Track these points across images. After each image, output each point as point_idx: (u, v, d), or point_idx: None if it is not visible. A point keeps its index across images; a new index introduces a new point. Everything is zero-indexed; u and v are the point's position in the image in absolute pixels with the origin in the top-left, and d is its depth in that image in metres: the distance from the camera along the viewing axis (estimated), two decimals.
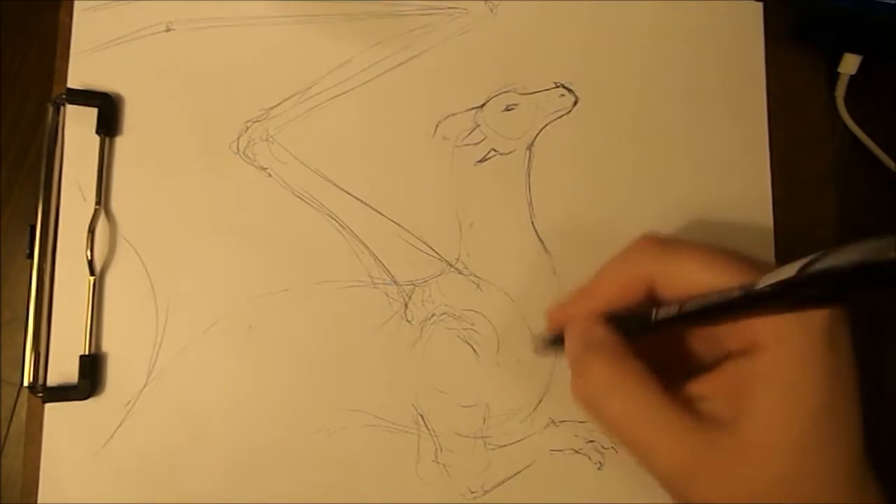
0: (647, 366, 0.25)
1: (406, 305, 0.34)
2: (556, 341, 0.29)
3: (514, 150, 0.35)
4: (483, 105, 0.35)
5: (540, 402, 0.33)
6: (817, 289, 0.19)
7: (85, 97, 0.34)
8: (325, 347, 0.33)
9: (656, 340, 0.27)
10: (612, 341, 0.26)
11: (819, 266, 0.19)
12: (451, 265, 0.34)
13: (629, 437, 0.25)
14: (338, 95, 0.35)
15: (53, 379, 0.33)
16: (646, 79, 0.36)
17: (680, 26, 0.36)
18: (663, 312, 0.25)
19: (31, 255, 0.33)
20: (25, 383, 0.32)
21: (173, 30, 0.35)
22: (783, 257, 0.35)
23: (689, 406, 0.24)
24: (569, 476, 0.33)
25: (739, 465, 0.23)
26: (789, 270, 0.20)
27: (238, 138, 0.34)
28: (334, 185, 0.34)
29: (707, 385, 0.25)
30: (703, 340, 0.27)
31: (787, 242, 0.35)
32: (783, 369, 0.23)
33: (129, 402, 0.32)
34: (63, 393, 0.32)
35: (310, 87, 0.35)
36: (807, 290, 0.20)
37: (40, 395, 0.32)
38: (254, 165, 0.34)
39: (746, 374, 0.24)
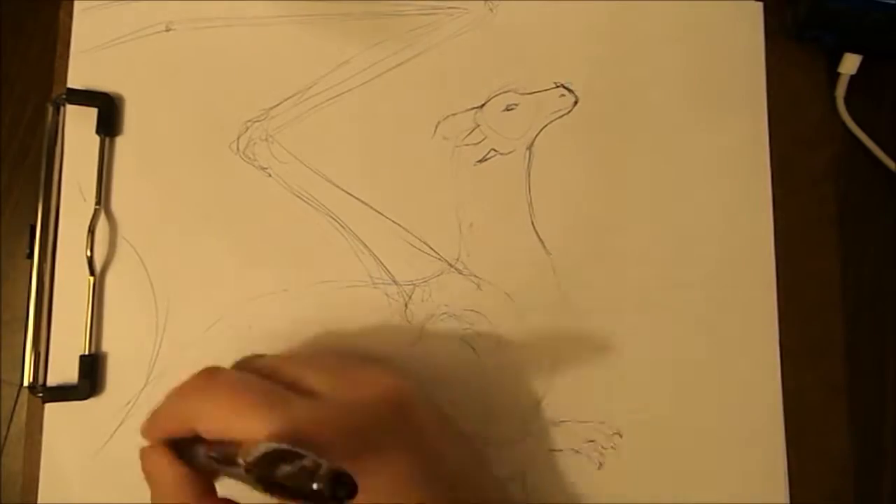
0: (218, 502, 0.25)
1: (406, 305, 0.34)
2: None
3: (514, 150, 0.35)
4: (483, 105, 0.35)
5: (540, 402, 0.33)
6: (253, 478, 0.20)
7: (85, 97, 0.34)
8: (325, 347, 0.33)
9: None
10: (179, 484, 0.26)
11: (248, 456, 0.20)
12: (451, 265, 0.34)
13: None
14: (338, 95, 0.35)
15: (53, 379, 0.33)
16: (646, 79, 0.36)
17: (680, 26, 0.36)
18: (200, 451, 0.25)
19: (31, 255, 0.33)
20: (25, 383, 0.32)
21: (173, 30, 0.35)
22: (783, 257, 0.35)
23: None
24: (569, 476, 0.33)
25: None
26: (258, 450, 0.21)
27: (238, 138, 0.34)
28: (334, 185, 0.34)
29: None
30: None
31: (787, 242, 0.35)
32: None
33: (129, 402, 0.32)
34: (63, 393, 0.32)
35: (310, 87, 0.35)
36: (250, 475, 0.21)
37: (40, 395, 0.32)
38: (254, 165, 0.34)
39: None
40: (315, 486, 0.19)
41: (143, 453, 0.27)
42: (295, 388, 0.26)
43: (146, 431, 0.28)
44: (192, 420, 0.25)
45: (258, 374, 0.27)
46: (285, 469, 0.20)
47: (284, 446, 0.21)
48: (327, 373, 0.27)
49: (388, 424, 0.26)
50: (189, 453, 0.26)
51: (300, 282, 0.34)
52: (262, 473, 0.20)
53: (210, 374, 0.26)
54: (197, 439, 0.26)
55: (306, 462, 0.20)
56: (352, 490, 0.19)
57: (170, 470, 0.26)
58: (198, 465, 0.26)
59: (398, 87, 0.35)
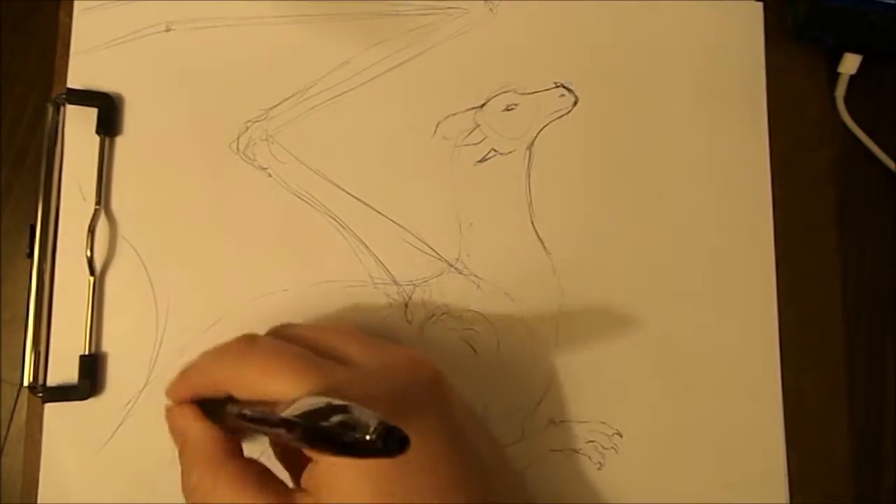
0: (245, 465, 0.25)
1: (406, 305, 0.34)
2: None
3: (514, 150, 0.35)
4: (483, 105, 0.35)
5: (540, 402, 0.33)
6: (299, 432, 0.20)
7: (85, 97, 0.34)
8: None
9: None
10: (206, 443, 0.26)
11: (290, 411, 0.20)
12: (451, 265, 0.34)
13: None
14: (338, 95, 0.35)
15: (53, 379, 0.33)
16: (646, 79, 0.36)
17: (680, 26, 0.36)
18: (233, 410, 0.26)
19: (31, 255, 0.33)
20: (25, 383, 0.32)
21: (173, 30, 0.35)
22: (783, 257, 0.35)
23: (287, 498, 0.24)
24: (569, 476, 0.33)
25: None
26: (300, 406, 0.21)
27: (238, 138, 0.34)
28: (334, 185, 0.34)
29: (309, 480, 0.25)
30: None
31: (787, 242, 0.35)
32: None
33: (129, 402, 0.32)
34: (63, 393, 0.32)
35: (310, 87, 0.35)
36: (289, 429, 0.20)
37: (40, 395, 0.32)
38: (254, 165, 0.34)
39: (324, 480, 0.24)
40: (368, 436, 0.18)
41: (172, 412, 0.28)
42: (330, 357, 0.26)
43: (175, 390, 0.28)
44: (226, 381, 0.26)
45: (294, 340, 0.27)
46: (335, 419, 0.19)
47: (334, 400, 0.20)
48: (362, 344, 0.27)
49: (424, 398, 0.26)
50: (217, 413, 0.26)
51: (300, 282, 0.34)
52: (309, 425, 0.20)
53: (249, 340, 0.27)
54: (225, 400, 0.26)
55: (356, 413, 0.19)
56: (403, 442, 0.18)
57: (200, 428, 0.26)
58: (226, 426, 0.26)
59: (398, 87, 0.35)
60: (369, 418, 0.18)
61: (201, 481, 0.25)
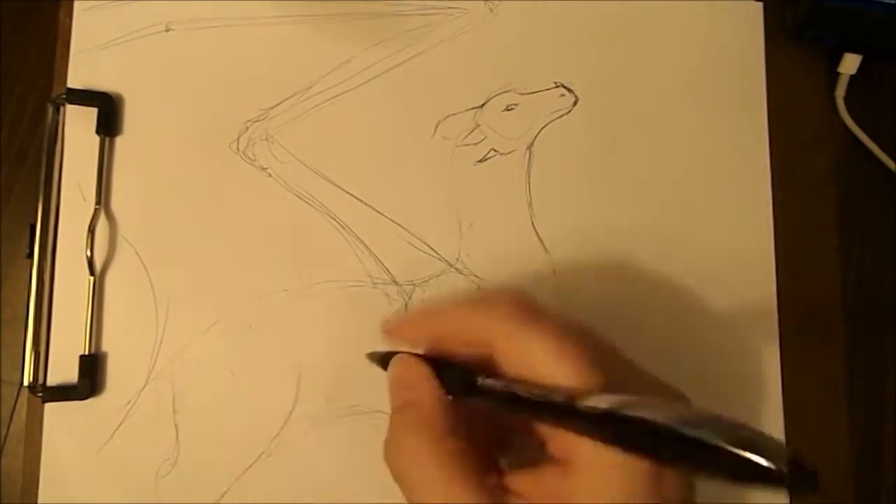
0: (463, 445, 0.23)
1: (406, 305, 0.34)
2: (385, 362, 0.27)
3: (514, 150, 0.35)
4: (483, 105, 0.35)
5: None
6: (627, 432, 0.18)
7: (85, 97, 0.34)
8: (326, 347, 0.33)
9: (483, 411, 0.25)
10: (433, 410, 0.24)
11: (634, 411, 0.17)
12: (451, 265, 0.34)
13: None
14: (338, 95, 0.35)
15: (53, 379, 0.33)
16: (646, 79, 0.36)
17: (680, 26, 0.36)
18: (489, 383, 0.23)
19: (31, 255, 0.33)
20: (25, 383, 0.32)
21: (173, 30, 0.35)
22: (783, 257, 0.35)
23: (500, 499, 0.22)
24: None
25: None
26: (615, 401, 0.18)
27: (238, 138, 0.34)
28: (334, 185, 0.34)
29: (524, 484, 0.23)
30: (530, 431, 0.24)
31: (787, 242, 0.35)
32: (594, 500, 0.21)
33: (129, 402, 0.32)
34: (63, 393, 0.32)
35: (310, 87, 0.35)
36: (617, 429, 0.18)
37: (40, 395, 0.32)
38: (254, 165, 0.34)
39: (561, 491, 0.22)
40: (767, 462, 0.15)
41: (403, 362, 0.25)
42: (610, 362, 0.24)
43: (412, 331, 0.25)
44: (495, 347, 0.23)
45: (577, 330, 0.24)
46: (732, 435, 0.15)
47: (710, 414, 0.17)
48: (629, 363, 0.25)
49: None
50: (442, 376, 0.24)
51: (300, 282, 0.34)
52: (675, 431, 0.16)
53: (530, 307, 0.24)
54: (461, 366, 0.24)
55: (757, 436, 0.16)
56: (814, 477, 0.15)
57: (433, 391, 0.24)
58: (460, 397, 0.24)
59: (398, 87, 0.35)
60: (774, 443, 0.15)
61: (417, 453, 0.23)
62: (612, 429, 0.18)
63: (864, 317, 0.35)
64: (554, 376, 0.22)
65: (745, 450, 0.15)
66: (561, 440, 0.22)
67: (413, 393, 0.24)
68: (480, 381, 0.23)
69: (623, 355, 0.25)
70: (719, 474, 0.16)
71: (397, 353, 0.26)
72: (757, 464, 0.15)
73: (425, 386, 0.24)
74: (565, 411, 0.20)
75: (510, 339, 0.23)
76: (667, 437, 0.17)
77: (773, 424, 0.34)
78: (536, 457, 0.23)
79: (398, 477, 0.24)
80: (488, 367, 0.24)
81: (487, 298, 0.25)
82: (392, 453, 0.24)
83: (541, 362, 0.22)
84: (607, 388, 0.21)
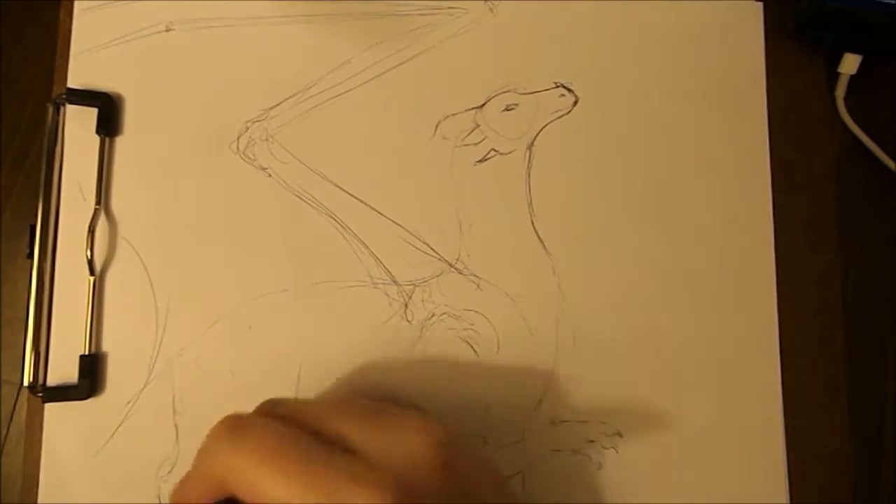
0: None
1: (406, 305, 0.34)
2: None
3: (514, 150, 0.35)
4: (483, 105, 0.35)
5: (540, 402, 0.33)
6: None
7: (85, 97, 0.34)
8: (325, 347, 0.33)
9: None
10: None
11: None
12: (451, 265, 0.34)
13: None
14: (338, 95, 0.35)
15: (53, 379, 0.33)
16: (646, 79, 0.36)
17: (680, 26, 0.36)
18: None
19: (31, 255, 0.33)
20: (25, 383, 0.32)
21: (173, 30, 0.35)
22: (783, 257, 0.35)
23: None
24: (569, 476, 0.33)
25: None
26: None
27: (238, 138, 0.34)
28: (334, 185, 0.34)
29: None
30: None
31: (787, 242, 0.35)
32: None
33: (129, 402, 0.32)
34: (63, 393, 0.32)
35: (310, 87, 0.35)
36: None
37: (40, 395, 0.32)
38: (254, 165, 0.34)
39: None
40: None
41: None
42: (325, 440, 0.24)
43: (177, 501, 0.25)
44: (225, 479, 0.23)
45: (287, 421, 0.24)
46: None
47: None
48: (365, 423, 0.25)
49: (432, 473, 0.24)
50: None
51: (300, 282, 0.34)
52: None
53: (237, 424, 0.24)
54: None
55: None
56: None
57: None
58: None
59: (398, 87, 0.35)
60: None
61: None
62: None
63: (864, 317, 0.35)
64: (268, 496, 0.22)
65: None
66: None
67: None
68: None
69: (349, 436, 0.24)
70: None
71: None
72: None
73: None
74: None
75: (230, 466, 0.23)
76: None
77: (773, 424, 0.34)
78: None
79: None
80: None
81: (205, 444, 0.24)
82: None
83: (255, 483, 0.22)
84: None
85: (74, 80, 0.34)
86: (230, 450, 0.23)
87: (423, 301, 0.34)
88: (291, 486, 0.22)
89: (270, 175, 0.34)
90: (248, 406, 0.33)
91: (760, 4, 0.37)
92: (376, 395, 0.33)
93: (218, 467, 0.23)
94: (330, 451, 0.23)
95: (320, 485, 0.21)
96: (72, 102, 0.34)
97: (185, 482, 0.25)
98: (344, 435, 0.24)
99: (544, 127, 0.35)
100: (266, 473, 0.22)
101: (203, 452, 0.24)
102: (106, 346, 0.33)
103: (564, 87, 0.36)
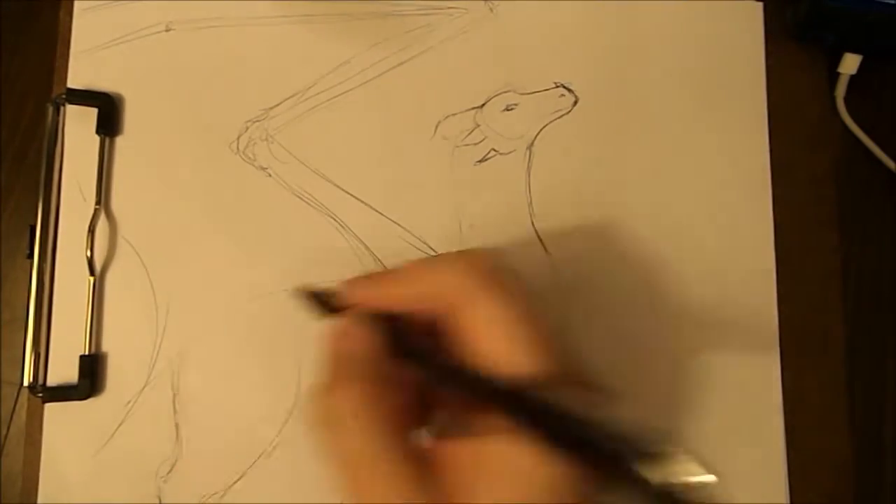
0: (397, 403, 0.21)
1: None
2: (325, 307, 0.25)
3: (514, 150, 0.35)
4: (483, 105, 0.35)
5: None
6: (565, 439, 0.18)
7: (85, 97, 0.34)
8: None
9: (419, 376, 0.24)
10: (372, 363, 0.22)
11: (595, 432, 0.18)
12: None
13: (351, 476, 0.21)
14: (338, 95, 0.35)
15: (53, 379, 0.33)
16: (646, 79, 0.36)
17: (680, 26, 0.36)
18: (430, 352, 0.22)
19: (31, 255, 0.33)
20: (25, 383, 0.32)
21: (173, 30, 0.35)
22: (783, 257, 0.35)
23: (425, 466, 0.21)
24: None
25: None
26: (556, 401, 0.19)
27: (238, 138, 0.34)
28: (334, 185, 0.34)
29: (451, 455, 0.21)
30: (460, 404, 0.23)
31: (787, 242, 0.35)
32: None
33: (129, 402, 0.32)
34: (63, 393, 0.32)
35: (310, 87, 0.35)
36: (553, 430, 0.18)
37: (40, 395, 0.32)
38: (254, 165, 0.34)
39: (483, 467, 0.20)
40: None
41: (348, 315, 0.22)
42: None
43: (361, 294, 0.23)
44: (446, 310, 0.21)
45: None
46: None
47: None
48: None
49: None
50: (392, 334, 0.22)
51: (300, 282, 0.33)
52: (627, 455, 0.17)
53: (493, 276, 0.22)
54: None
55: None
56: None
57: (373, 343, 0.22)
58: (396, 353, 0.22)
59: (398, 87, 0.35)
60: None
61: (350, 401, 0.21)
62: (547, 429, 0.19)
63: (864, 317, 0.35)
64: (500, 357, 0.20)
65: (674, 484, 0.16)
66: (489, 421, 0.21)
67: (353, 344, 0.23)
68: (421, 347, 0.22)
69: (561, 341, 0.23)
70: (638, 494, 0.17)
71: (335, 293, 0.25)
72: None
73: (367, 339, 0.22)
74: (503, 399, 0.20)
75: (461, 308, 0.21)
76: (602, 452, 0.18)
77: (774, 424, 0.34)
78: (461, 431, 0.22)
79: (323, 422, 0.22)
80: (438, 333, 0.22)
81: (448, 258, 0.23)
82: (320, 399, 0.22)
83: (488, 339, 0.21)
84: (550, 379, 0.20)
85: (74, 80, 0.34)
86: (484, 293, 0.21)
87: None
88: (533, 360, 0.20)
89: (270, 175, 0.34)
90: (249, 406, 0.33)
91: (760, 4, 0.37)
92: None
93: (456, 298, 0.21)
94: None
95: (550, 364, 0.20)
96: (72, 102, 0.34)
97: (385, 281, 0.23)
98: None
99: (544, 127, 0.35)
100: (510, 344, 0.20)
101: (439, 267, 0.22)
102: (106, 346, 0.33)
103: (564, 87, 0.36)
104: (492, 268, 0.22)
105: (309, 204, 0.34)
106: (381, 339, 0.22)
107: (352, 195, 0.34)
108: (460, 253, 0.23)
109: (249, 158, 0.34)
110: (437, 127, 0.35)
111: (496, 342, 0.21)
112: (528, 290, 0.22)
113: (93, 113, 0.34)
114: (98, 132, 0.34)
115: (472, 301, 0.21)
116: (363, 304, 0.23)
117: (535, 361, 0.20)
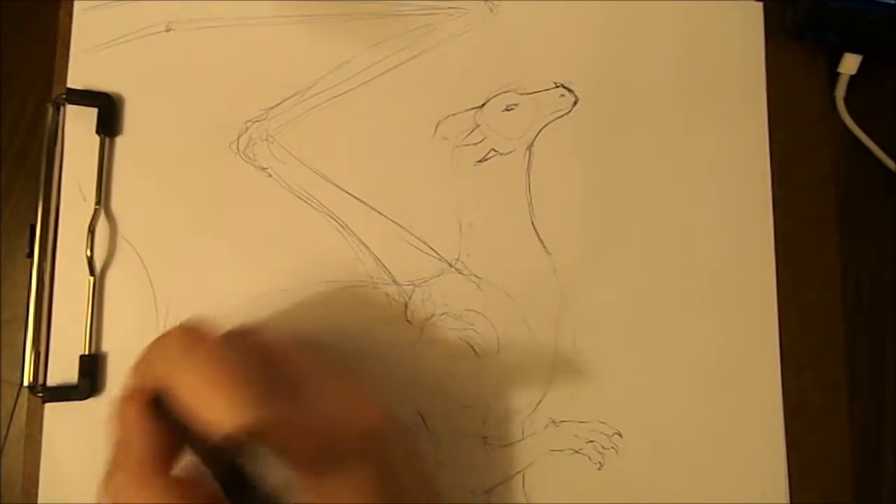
0: (175, 484, 0.23)
1: (406, 305, 0.34)
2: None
3: (514, 150, 0.35)
4: (483, 105, 0.35)
5: (540, 402, 0.33)
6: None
7: (85, 97, 0.34)
8: (325, 348, 0.33)
9: None
10: (144, 448, 0.24)
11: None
12: (451, 265, 0.34)
13: None
14: (338, 95, 0.35)
15: (53, 379, 0.33)
16: (646, 78, 0.36)
17: (680, 26, 0.36)
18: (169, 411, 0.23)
19: (31, 255, 0.33)
20: (25, 383, 0.32)
21: (173, 30, 0.35)
22: (783, 257, 0.35)
23: None
24: (569, 476, 0.33)
25: None
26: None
27: (238, 138, 0.34)
28: (334, 185, 0.34)
29: None
30: None
31: (787, 242, 0.35)
32: None
33: None
34: (63, 393, 0.32)
35: (310, 87, 0.35)
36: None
37: (40, 395, 0.32)
38: (254, 165, 0.34)
39: None
40: None
41: (121, 404, 0.25)
42: (282, 376, 0.25)
43: (126, 380, 0.25)
44: (166, 378, 0.23)
45: (246, 352, 0.25)
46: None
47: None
48: (319, 371, 0.26)
49: (360, 448, 0.25)
50: (164, 409, 0.24)
51: (300, 282, 0.34)
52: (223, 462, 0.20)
53: (194, 336, 0.24)
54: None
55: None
56: None
57: (140, 429, 0.24)
58: (169, 426, 0.24)
59: (398, 87, 0.35)
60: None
61: (123, 489, 0.23)
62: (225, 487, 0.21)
63: (864, 317, 0.35)
64: (201, 409, 0.22)
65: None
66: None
67: (126, 431, 0.24)
68: (173, 416, 0.23)
69: (299, 376, 0.25)
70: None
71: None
72: None
73: (136, 426, 0.24)
74: (207, 459, 0.22)
75: (169, 381, 0.23)
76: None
77: (773, 424, 0.34)
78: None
79: None
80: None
81: (158, 339, 0.25)
82: (104, 485, 0.24)
83: (194, 405, 0.22)
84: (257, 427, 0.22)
85: (74, 80, 0.34)
86: (180, 358, 0.23)
87: (423, 301, 0.34)
88: (221, 409, 0.22)
89: (270, 175, 0.34)
90: None
91: (760, 4, 0.37)
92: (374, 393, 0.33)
93: (163, 366, 0.24)
94: (272, 388, 0.24)
95: (248, 413, 0.22)
96: (72, 102, 0.34)
97: (135, 366, 0.25)
98: (297, 377, 0.25)
99: (544, 127, 0.35)
100: (203, 393, 0.22)
101: (156, 346, 0.24)
102: (106, 346, 0.33)
103: (564, 87, 0.36)
104: (190, 339, 0.24)
105: (309, 204, 0.34)
106: (148, 421, 0.24)
107: (352, 195, 0.34)
108: (167, 332, 0.25)
109: (249, 158, 0.34)
110: (437, 127, 0.35)
111: (199, 408, 0.22)
112: (242, 348, 0.25)
113: (93, 113, 0.34)
114: (98, 132, 0.34)
115: (173, 374, 0.23)
116: (132, 390, 0.25)
117: (229, 419, 0.22)
